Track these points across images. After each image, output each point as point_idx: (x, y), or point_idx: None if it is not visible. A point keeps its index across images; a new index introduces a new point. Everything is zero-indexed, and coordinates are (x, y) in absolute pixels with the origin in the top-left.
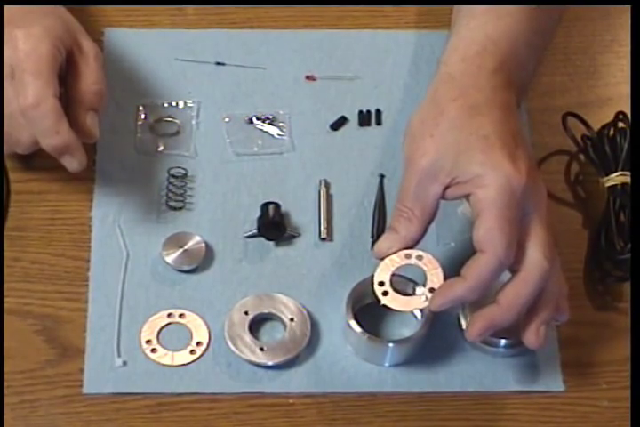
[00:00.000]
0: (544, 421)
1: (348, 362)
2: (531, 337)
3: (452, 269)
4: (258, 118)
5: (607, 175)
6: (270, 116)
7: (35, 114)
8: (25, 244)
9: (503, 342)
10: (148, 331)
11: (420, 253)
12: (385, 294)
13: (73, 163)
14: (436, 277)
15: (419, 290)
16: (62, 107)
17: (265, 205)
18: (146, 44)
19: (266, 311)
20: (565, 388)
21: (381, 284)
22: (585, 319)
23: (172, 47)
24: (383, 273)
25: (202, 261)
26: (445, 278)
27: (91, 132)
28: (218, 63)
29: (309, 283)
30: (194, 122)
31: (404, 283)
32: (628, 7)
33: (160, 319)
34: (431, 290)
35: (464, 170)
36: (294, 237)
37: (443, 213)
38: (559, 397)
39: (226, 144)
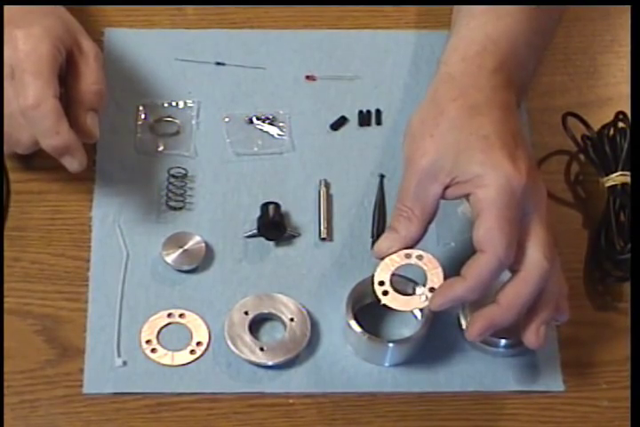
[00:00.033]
0: (544, 421)
1: (347, 362)
2: (531, 337)
3: (452, 269)
4: (258, 118)
5: (607, 175)
6: (270, 116)
7: (35, 114)
8: (25, 244)
9: (503, 342)
10: (148, 331)
11: (420, 252)
12: (385, 293)
13: (73, 163)
14: (436, 276)
15: (419, 290)
16: (62, 107)
17: (265, 205)
18: (146, 44)
19: (266, 311)
20: (565, 388)
21: (381, 283)
22: (585, 319)
23: (172, 47)
24: (383, 273)
25: (202, 261)
26: (445, 278)
27: (91, 133)
28: (218, 63)
29: (309, 283)
30: (194, 122)
31: (404, 283)
32: (628, 7)
33: (160, 319)
34: (431, 290)
35: (464, 170)
36: (294, 237)
37: (443, 213)
38: (559, 397)
39: (226, 144)
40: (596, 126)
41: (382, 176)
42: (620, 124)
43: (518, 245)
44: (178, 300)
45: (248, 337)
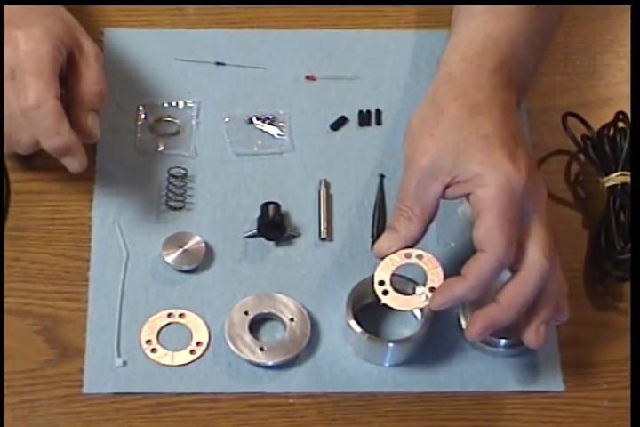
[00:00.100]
0: (544, 421)
1: (348, 362)
2: (531, 337)
3: (453, 269)
4: (258, 118)
5: (607, 175)
6: (270, 116)
7: (35, 115)
8: (25, 244)
9: (503, 342)
10: (148, 331)
11: (420, 252)
12: (385, 293)
13: (74, 163)
14: (436, 276)
15: (419, 289)
16: (63, 107)
17: (265, 205)
18: (146, 44)
19: (266, 311)
20: (565, 388)
21: (381, 283)
22: (585, 319)
23: (172, 47)
24: (383, 272)
25: (202, 261)
26: (446, 278)
27: (91, 133)
28: (218, 63)
29: (309, 283)
30: (194, 122)
31: (405, 282)
32: (628, 7)
33: (160, 319)
34: (431, 289)
35: (464, 169)
36: (294, 237)
37: (443, 212)
38: (559, 397)
39: (226, 144)
40: (596, 126)
41: (382, 176)
42: (620, 124)
43: (518, 244)
44: (178, 300)
45: (248, 337)
